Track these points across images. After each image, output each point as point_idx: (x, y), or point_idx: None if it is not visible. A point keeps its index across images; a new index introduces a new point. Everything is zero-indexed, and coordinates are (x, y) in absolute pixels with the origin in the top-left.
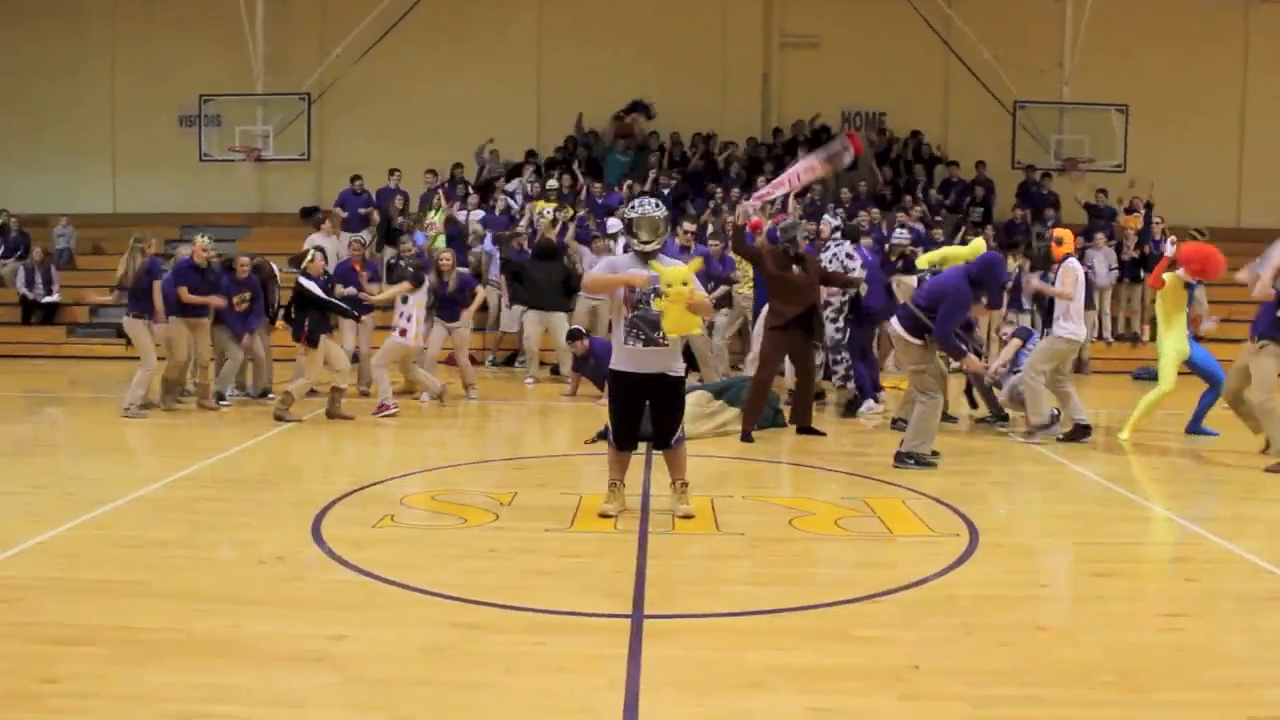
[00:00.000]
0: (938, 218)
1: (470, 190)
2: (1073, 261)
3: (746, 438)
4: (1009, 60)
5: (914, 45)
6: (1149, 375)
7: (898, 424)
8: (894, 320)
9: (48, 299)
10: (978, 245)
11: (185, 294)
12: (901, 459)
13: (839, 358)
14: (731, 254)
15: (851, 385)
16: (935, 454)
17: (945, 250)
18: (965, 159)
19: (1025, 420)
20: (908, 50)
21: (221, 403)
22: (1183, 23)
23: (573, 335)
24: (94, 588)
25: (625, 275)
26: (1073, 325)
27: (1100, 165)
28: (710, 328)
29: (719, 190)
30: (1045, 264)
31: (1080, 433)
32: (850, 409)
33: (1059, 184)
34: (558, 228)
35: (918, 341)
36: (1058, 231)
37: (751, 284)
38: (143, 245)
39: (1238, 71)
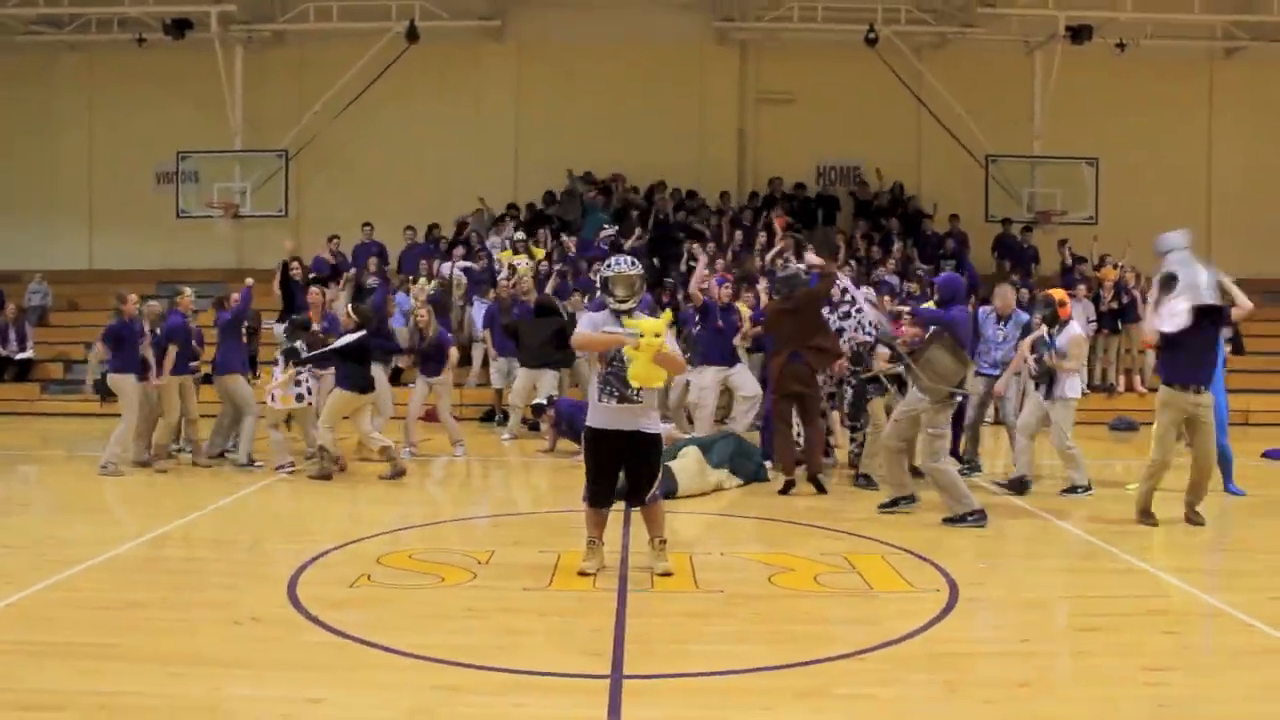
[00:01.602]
0: (919, 269)
1: (450, 245)
2: (1076, 327)
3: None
4: (981, 114)
5: (887, 100)
6: (1125, 425)
7: (860, 481)
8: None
9: (21, 355)
10: None
11: (170, 355)
12: (967, 520)
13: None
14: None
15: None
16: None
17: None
18: (939, 213)
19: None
20: (881, 105)
21: (256, 465)
22: (1149, 77)
23: (537, 410)
24: (66, 651)
25: (615, 334)
26: (1077, 383)
27: (1072, 218)
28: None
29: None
30: (1052, 325)
31: (1019, 485)
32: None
33: (1035, 238)
34: (540, 279)
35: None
36: (1057, 294)
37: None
38: (121, 303)
39: (1203, 122)
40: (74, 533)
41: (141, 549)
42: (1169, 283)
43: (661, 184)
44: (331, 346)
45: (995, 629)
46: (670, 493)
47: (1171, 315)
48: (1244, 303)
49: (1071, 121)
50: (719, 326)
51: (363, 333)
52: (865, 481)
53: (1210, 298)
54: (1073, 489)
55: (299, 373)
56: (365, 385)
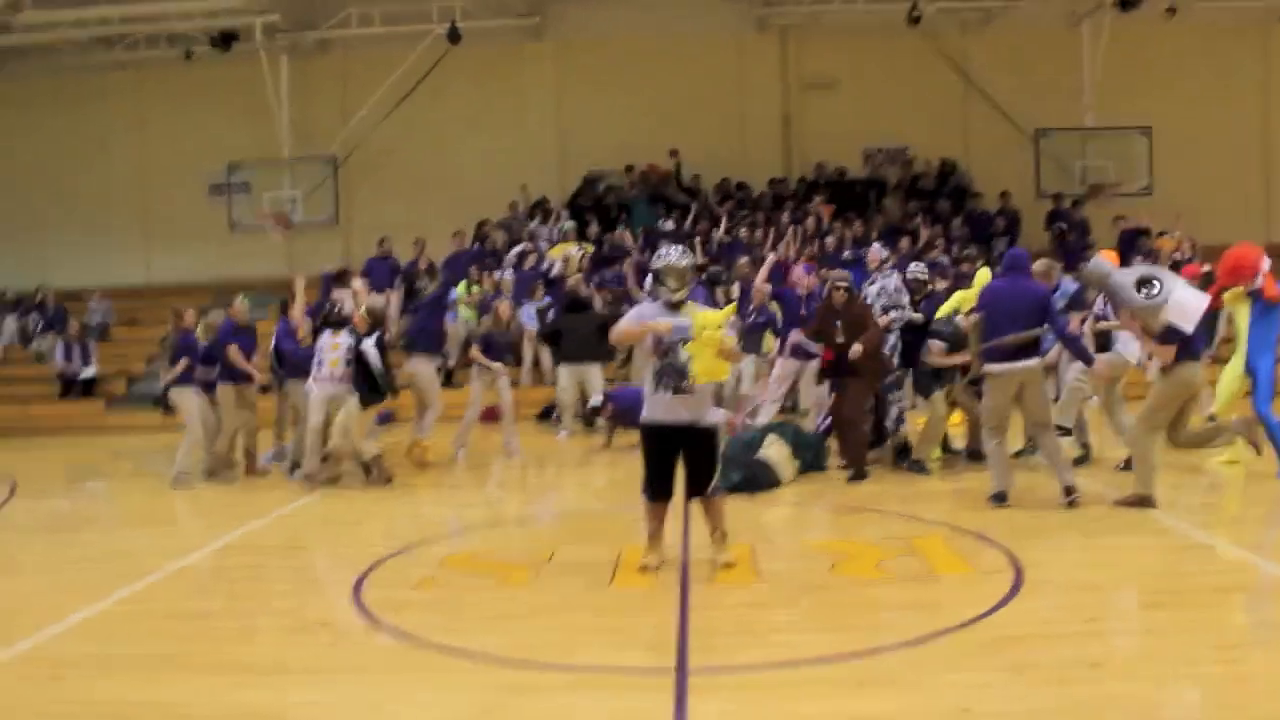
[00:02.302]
0: (968, 251)
1: (498, 248)
2: None
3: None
4: (1028, 89)
5: (932, 79)
6: None
7: (911, 465)
8: (1023, 360)
9: (85, 373)
10: (983, 277)
11: (234, 354)
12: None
13: (891, 397)
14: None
15: (904, 429)
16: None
17: (955, 297)
18: (989, 190)
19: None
20: (926, 85)
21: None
22: (1202, 43)
23: (593, 413)
24: (136, 663)
25: (650, 323)
26: (1134, 345)
27: (1126, 189)
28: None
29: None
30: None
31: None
32: (903, 454)
33: (1087, 210)
34: (583, 269)
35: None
36: (1108, 255)
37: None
38: (178, 316)
39: (1259, 88)
40: (142, 546)
41: (208, 559)
42: (1148, 283)
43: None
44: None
45: (1062, 609)
46: (773, 485)
47: (1183, 309)
48: None
49: (1123, 92)
50: (802, 315)
51: (376, 334)
52: (917, 466)
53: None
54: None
55: None
56: (381, 392)
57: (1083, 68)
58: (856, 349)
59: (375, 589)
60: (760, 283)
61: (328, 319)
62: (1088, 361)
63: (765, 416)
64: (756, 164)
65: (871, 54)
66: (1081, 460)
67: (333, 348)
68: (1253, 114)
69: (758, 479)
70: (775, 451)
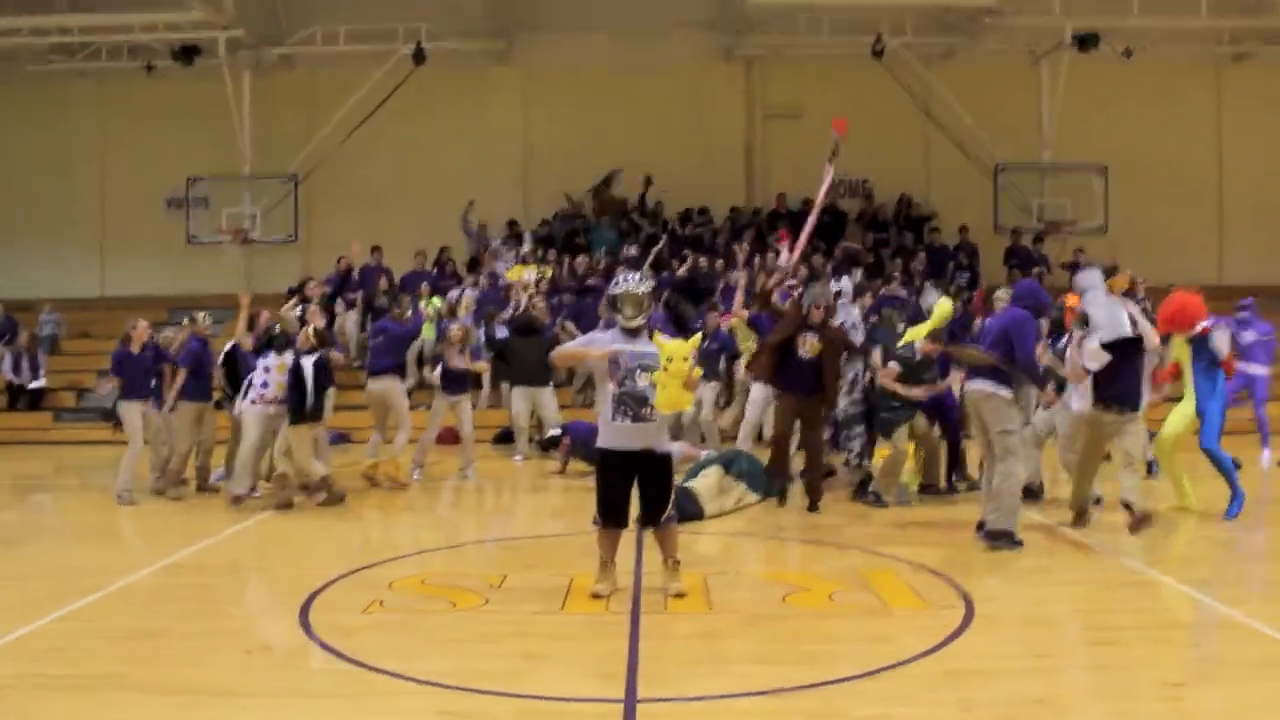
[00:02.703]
0: (929, 282)
1: (458, 271)
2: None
3: (781, 498)
4: (988, 124)
5: (894, 112)
6: None
7: (868, 498)
8: (975, 381)
9: (34, 384)
10: (943, 308)
11: (169, 374)
12: (993, 539)
13: (852, 433)
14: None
15: (867, 463)
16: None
17: (911, 331)
18: (948, 223)
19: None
20: (889, 118)
21: (254, 494)
22: (1157, 83)
23: (549, 444)
24: (79, 682)
25: (591, 348)
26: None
27: (1082, 226)
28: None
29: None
30: (1059, 331)
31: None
32: (863, 489)
33: (1045, 247)
34: (540, 293)
35: (1008, 393)
36: (1068, 299)
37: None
38: (131, 329)
39: (1213, 129)
40: (86, 561)
41: (153, 577)
42: (1084, 322)
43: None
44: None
45: (1011, 645)
46: (695, 516)
47: (1093, 355)
48: (1151, 337)
49: (1080, 130)
50: None
51: (318, 355)
52: (875, 499)
53: (1126, 331)
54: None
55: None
56: (314, 412)
57: (1041, 105)
58: (892, 369)
59: (323, 612)
60: (738, 309)
61: (272, 339)
62: (1040, 387)
63: (743, 442)
64: (719, 191)
65: (835, 86)
66: (1035, 496)
67: (279, 369)
68: (1206, 155)
69: (683, 510)
70: (705, 483)
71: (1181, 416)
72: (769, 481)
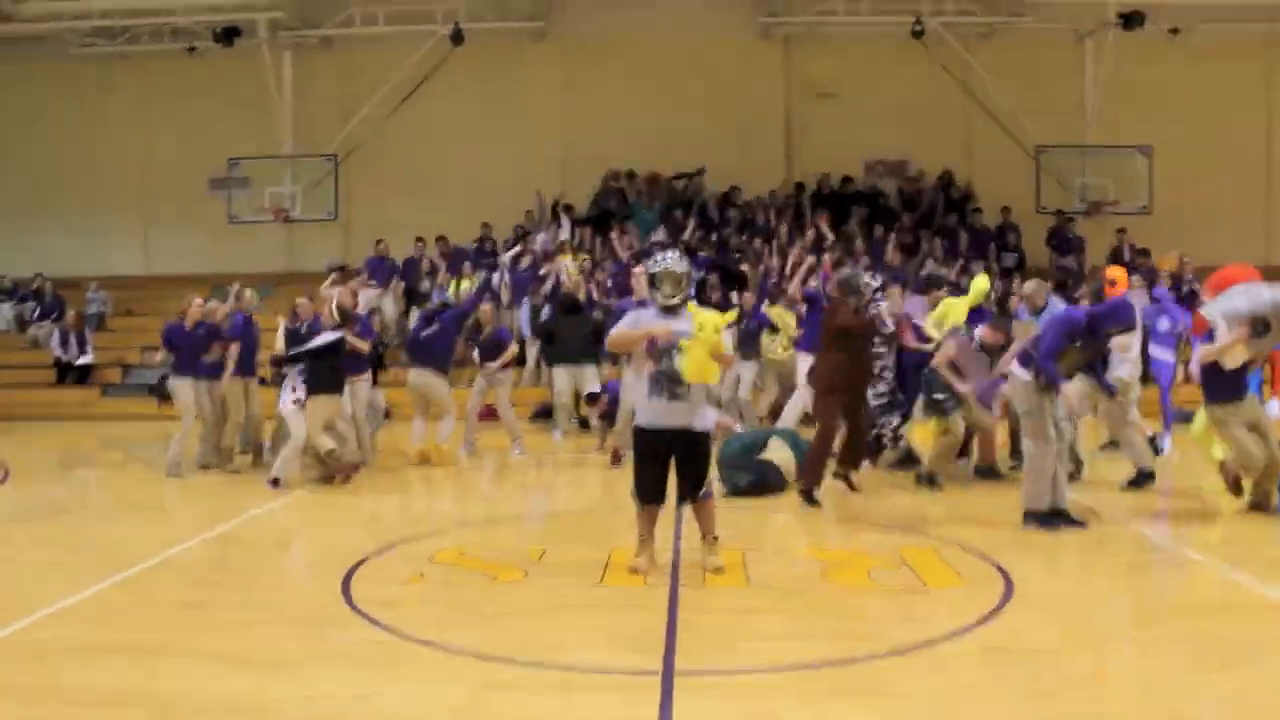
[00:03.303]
0: (975, 263)
1: (498, 249)
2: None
3: (810, 499)
4: (1030, 105)
5: (935, 93)
6: (1181, 418)
7: (924, 480)
8: (1013, 363)
9: (82, 360)
10: (979, 285)
11: (231, 350)
12: (1025, 521)
13: (885, 420)
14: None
15: (903, 444)
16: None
17: (945, 304)
18: (989, 204)
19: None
20: (929, 98)
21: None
22: (1204, 61)
23: (590, 399)
24: (122, 649)
25: (645, 329)
26: (1128, 367)
27: (1125, 208)
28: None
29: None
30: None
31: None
32: (904, 465)
33: (1085, 227)
34: (584, 280)
35: (1027, 376)
36: (1110, 272)
37: (788, 346)
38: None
39: (1261, 108)
40: (133, 534)
41: (199, 549)
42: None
43: (700, 171)
44: (307, 346)
45: (1049, 625)
46: (779, 487)
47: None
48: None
49: (1124, 110)
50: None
51: (340, 334)
52: (930, 482)
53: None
54: (1137, 478)
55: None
56: (338, 385)
57: (1085, 85)
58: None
59: (364, 583)
60: (795, 289)
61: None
62: (1055, 386)
63: (791, 419)
64: (758, 171)
65: (874, 66)
66: (1073, 477)
67: None
68: (1254, 136)
69: (766, 481)
70: (780, 455)
71: None
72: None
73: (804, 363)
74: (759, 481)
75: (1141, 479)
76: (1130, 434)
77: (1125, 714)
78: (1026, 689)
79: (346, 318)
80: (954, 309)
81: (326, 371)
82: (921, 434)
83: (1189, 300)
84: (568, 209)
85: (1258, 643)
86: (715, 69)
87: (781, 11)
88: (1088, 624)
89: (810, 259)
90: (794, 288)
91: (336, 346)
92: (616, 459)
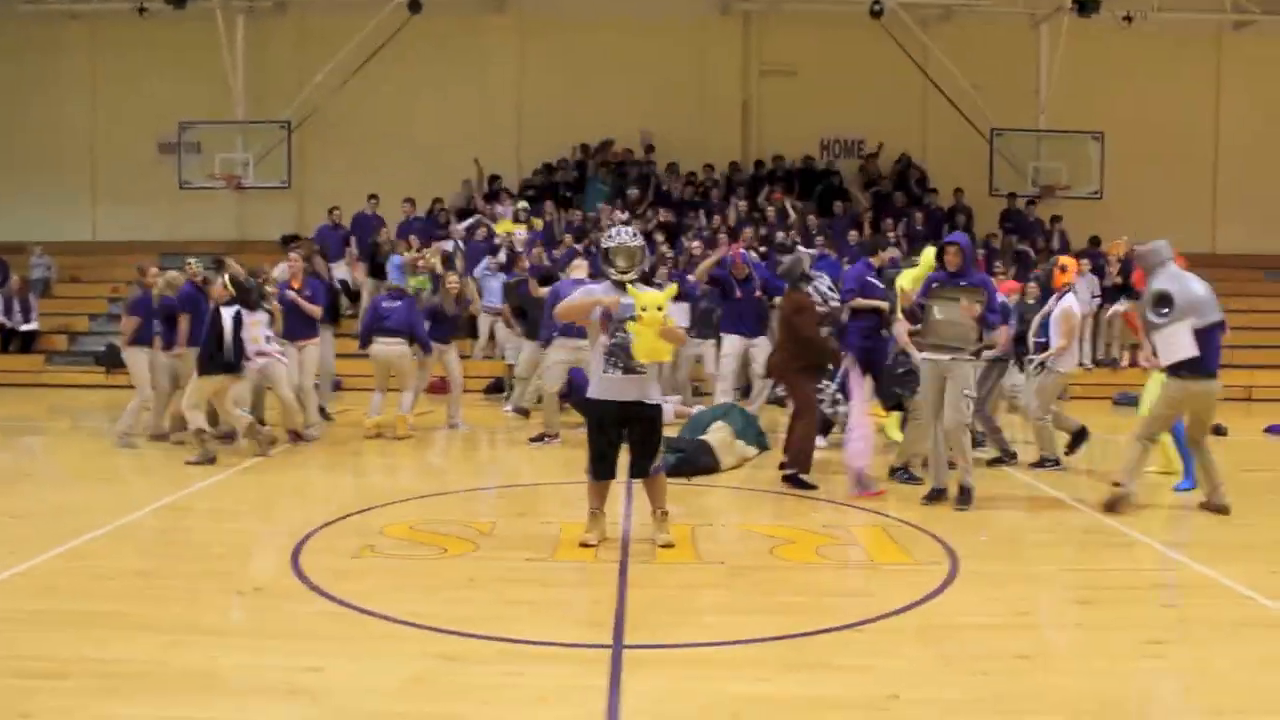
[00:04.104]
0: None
1: (450, 220)
2: (1071, 300)
3: (801, 483)
4: (986, 88)
5: (892, 73)
6: (1127, 400)
7: (896, 473)
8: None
9: (26, 327)
10: (928, 256)
11: (182, 323)
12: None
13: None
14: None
15: (842, 409)
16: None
17: (901, 275)
18: (943, 186)
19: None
20: (886, 78)
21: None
22: (1156, 50)
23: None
24: (71, 619)
25: (595, 297)
26: (1068, 357)
27: (1077, 192)
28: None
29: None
30: (1045, 292)
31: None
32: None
33: (1040, 212)
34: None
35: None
36: (1063, 259)
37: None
38: (142, 273)
39: (1210, 98)
40: (80, 502)
41: (147, 519)
42: (1163, 301)
43: (650, 149)
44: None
45: (994, 602)
46: (712, 469)
47: (1173, 347)
48: None
49: (1077, 95)
50: (739, 297)
51: (236, 308)
52: (907, 476)
53: (1215, 314)
54: (1040, 463)
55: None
56: (230, 366)
57: (1039, 70)
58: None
59: (314, 555)
60: (699, 275)
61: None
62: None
63: (721, 394)
64: (715, 147)
65: (833, 44)
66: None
67: (254, 324)
68: (1203, 123)
69: (694, 460)
70: (719, 436)
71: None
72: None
73: (730, 343)
74: (687, 460)
75: (1045, 464)
76: (1047, 426)
77: (1064, 689)
78: (968, 666)
79: (243, 290)
80: (906, 278)
81: (216, 350)
82: (891, 425)
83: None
84: (505, 190)
85: (1196, 621)
86: (674, 45)
87: None
88: (1031, 602)
89: (719, 249)
90: (700, 273)
91: (236, 322)
92: (540, 439)
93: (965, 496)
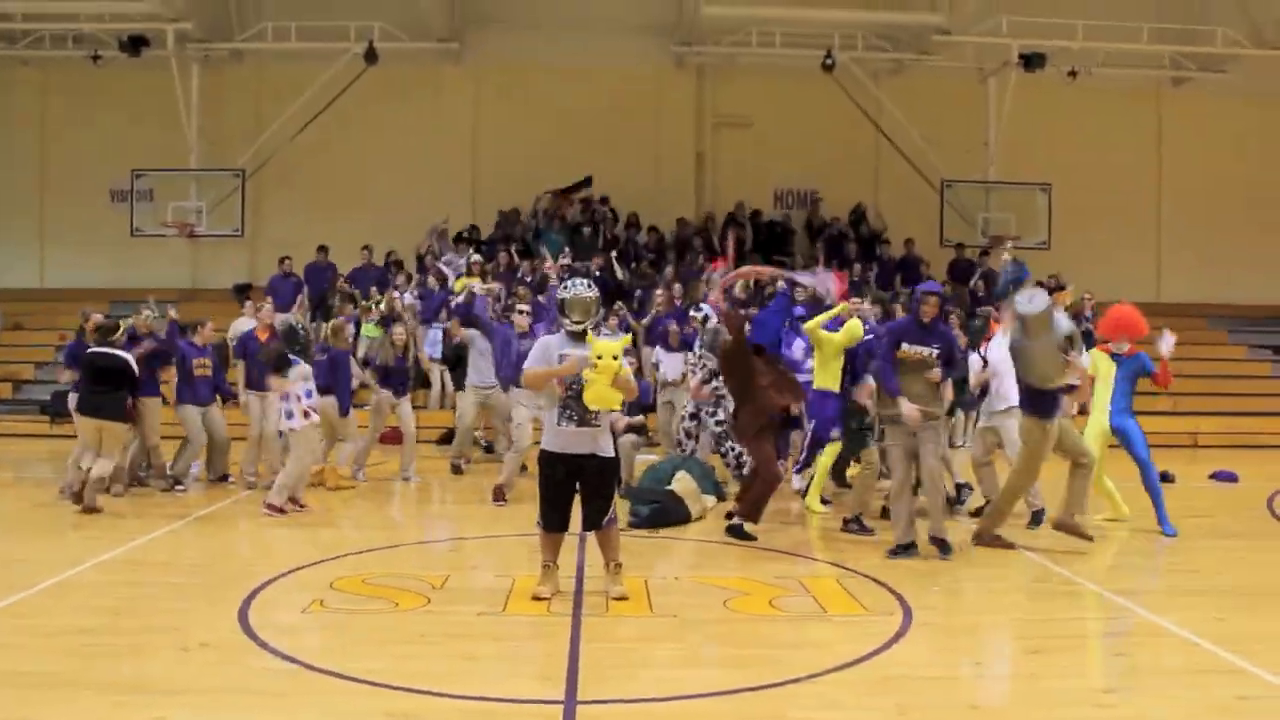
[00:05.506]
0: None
1: (407, 271)
2: (973, 356)
3: (742, 533)
4: (936, 140)
5: (845, 125)
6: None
7: (848, 524)
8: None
9: None
10: (854, 327)
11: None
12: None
13: (728, 447)
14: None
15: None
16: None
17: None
18: (894, 237)
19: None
20: (839, 130)
21: (178, 487)
22: (1100, 105)
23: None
24: (8, 680)
25: (561, 366)
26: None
27: (1026, 242)
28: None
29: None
30: (978, 340)
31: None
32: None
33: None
34: (495, 305)
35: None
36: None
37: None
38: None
39: (1153, 151)
40: (21, 556)
41: (90, 573)
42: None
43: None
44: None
45: (947, 652)
46: (684, 519)
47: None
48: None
49: (1026, 148)
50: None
51: (127, 354)
52: (859, 528)
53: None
54: (980, 510)
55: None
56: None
57: (988, 123)
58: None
59: (263, 610)
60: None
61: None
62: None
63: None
64: (670, 198)
65: (786, 97)
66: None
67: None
68: (1146, 176)
69: (668, 512)
70: (684, 485)
71: (1099, 430)
72: None
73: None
74: (661, 512)
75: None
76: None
77: None
78: (923, 716)
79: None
80: (815, 324)
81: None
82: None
83: (1086, 338)
84: (463, 237)
85: (1146, 670)
86: (628, 96)
87: (695, 41)
88: (984, 651)
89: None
90: (717, 295)
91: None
92: (499, 496)
93: (944, 547)
